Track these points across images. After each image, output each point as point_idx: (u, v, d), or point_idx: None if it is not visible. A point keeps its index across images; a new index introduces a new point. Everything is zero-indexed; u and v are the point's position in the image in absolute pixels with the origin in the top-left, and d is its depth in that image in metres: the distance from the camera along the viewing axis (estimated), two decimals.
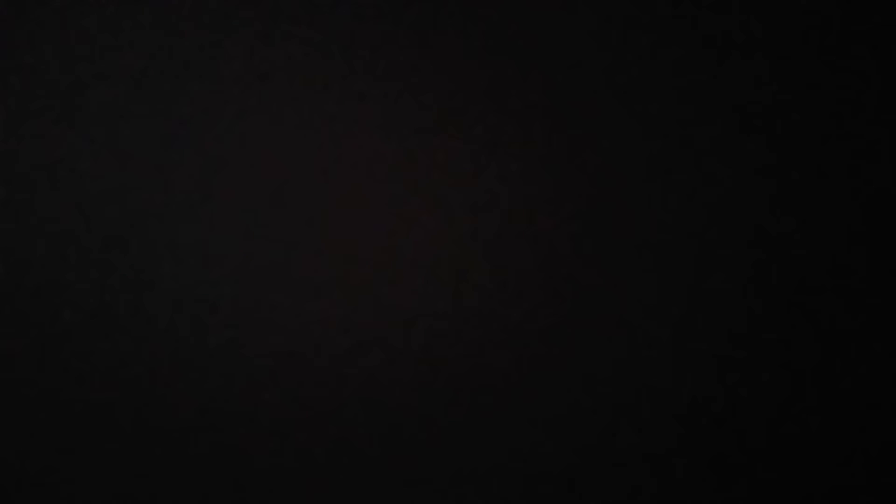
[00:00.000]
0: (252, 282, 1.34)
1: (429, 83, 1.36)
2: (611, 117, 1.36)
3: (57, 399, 1.32)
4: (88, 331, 1.32)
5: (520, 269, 1.34)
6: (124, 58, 1.35)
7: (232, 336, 1.33)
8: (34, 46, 1.34)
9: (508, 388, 1.34)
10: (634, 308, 1.34)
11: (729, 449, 1.33)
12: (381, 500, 1.33)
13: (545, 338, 1.34)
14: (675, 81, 1.36)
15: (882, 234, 1.35)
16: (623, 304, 1.34)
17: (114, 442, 1.32)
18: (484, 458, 1.33)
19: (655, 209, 1.35)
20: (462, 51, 1.36)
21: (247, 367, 1.33)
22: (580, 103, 1.36)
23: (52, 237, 1.33)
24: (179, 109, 1.35)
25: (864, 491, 1.34)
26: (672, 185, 1.35)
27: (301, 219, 1.34)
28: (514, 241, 1.35)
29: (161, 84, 1.35)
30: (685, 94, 1.36)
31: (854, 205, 1.36)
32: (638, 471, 1.33)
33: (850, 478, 1.34)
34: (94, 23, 1.35)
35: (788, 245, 1.35)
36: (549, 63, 1.36)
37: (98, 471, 1.32)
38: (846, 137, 1.36)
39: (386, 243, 1.34)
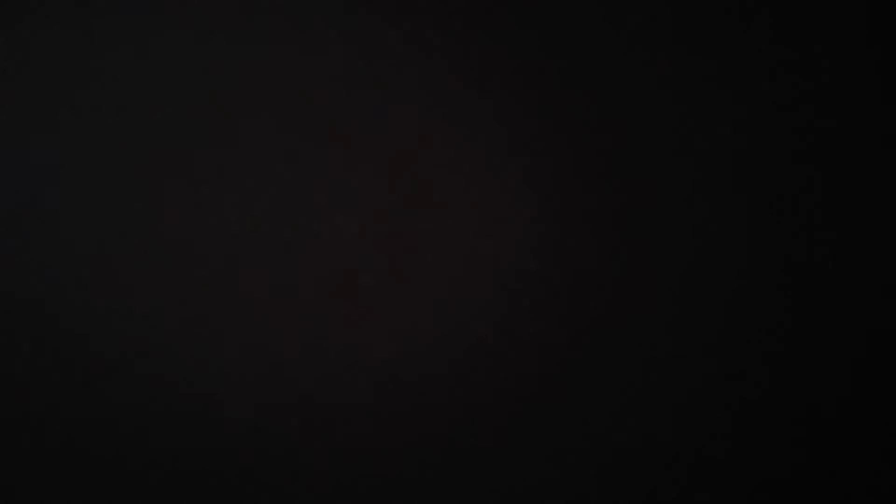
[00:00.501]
0: (252, 284, 1.34)
1: (437, 82, 1.36)
2: (626, 117, 1.36)
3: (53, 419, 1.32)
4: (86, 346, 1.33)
5: (527, 273, 1.34)
6: (117, 60, 1.35)
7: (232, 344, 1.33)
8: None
9: (508, 391, 1.34)
10: (646, 312, 1.34)
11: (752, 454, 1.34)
12: None
13: (552, 343, 1.34)
14: (693, 82, 1.36)
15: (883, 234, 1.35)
16: (639, 309, 1.34)
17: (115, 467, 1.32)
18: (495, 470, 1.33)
19: (674, 210, 1.35)
20: (467, 50, 1.36)
21: (250, 374, 1.33)
22: (592, 103, 1.36)
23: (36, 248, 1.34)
24: (177, 111, 1.35)
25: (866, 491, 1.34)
26: (699, 189, 1.35)
27: (302, 223, 1.34)
28: (520, 245, 1.35)
29: (158, 87, 1.35)
30: (706, 96, 1.36)
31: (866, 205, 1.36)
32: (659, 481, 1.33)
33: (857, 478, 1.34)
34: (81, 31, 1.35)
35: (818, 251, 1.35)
36: (564, 62, 1.36)
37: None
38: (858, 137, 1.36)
39: (390, 248, 1.34)
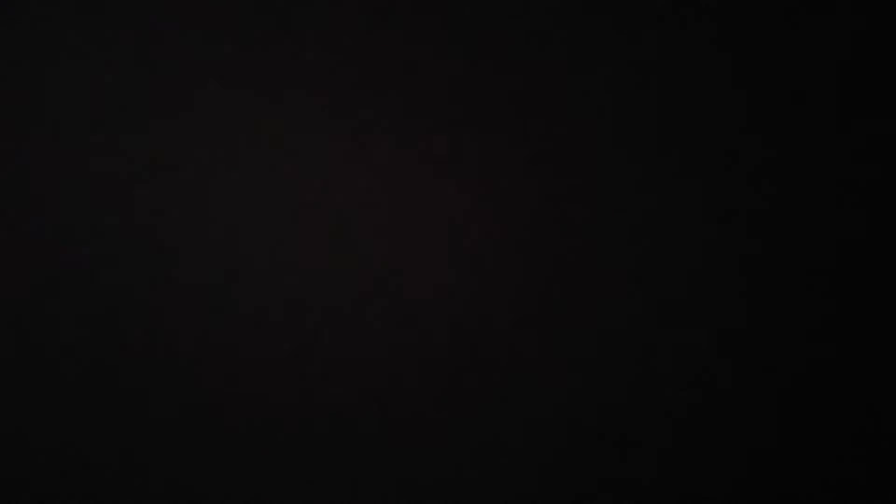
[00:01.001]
0: (252, 281, 1.34)
1: (426, 83, 1.35)
2: (607, 118, 1.36)
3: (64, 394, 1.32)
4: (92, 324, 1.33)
5: (516, 269, 1.34)
6: (121, 63, 1.35)
7: (232, 339, 1.33)
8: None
9: (502, 388, 1.34)
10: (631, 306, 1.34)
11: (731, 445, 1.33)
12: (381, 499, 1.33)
13: (540, 337, 1.34)
14: (670, 82, 1.36)
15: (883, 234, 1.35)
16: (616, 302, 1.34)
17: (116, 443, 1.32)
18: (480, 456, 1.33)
19: (648, 209, 1.35)
20: (460, 51, 1.36)
21: (248, 364, 1.33)
22: (576, 104, 1.35)
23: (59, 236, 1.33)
24: (182, 110, 1.35)
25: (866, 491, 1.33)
26: (669, 186, 1.35)
27: (300, 219, 1.34)
28: (506, 241, 1.34)
29: (163, 89, 1.35)
30: (680, 94, 1.36)
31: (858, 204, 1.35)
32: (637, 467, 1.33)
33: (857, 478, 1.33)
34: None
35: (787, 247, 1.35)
36: (546, 63, 1.36)
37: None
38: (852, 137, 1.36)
39: (385, 243, 1.34)
